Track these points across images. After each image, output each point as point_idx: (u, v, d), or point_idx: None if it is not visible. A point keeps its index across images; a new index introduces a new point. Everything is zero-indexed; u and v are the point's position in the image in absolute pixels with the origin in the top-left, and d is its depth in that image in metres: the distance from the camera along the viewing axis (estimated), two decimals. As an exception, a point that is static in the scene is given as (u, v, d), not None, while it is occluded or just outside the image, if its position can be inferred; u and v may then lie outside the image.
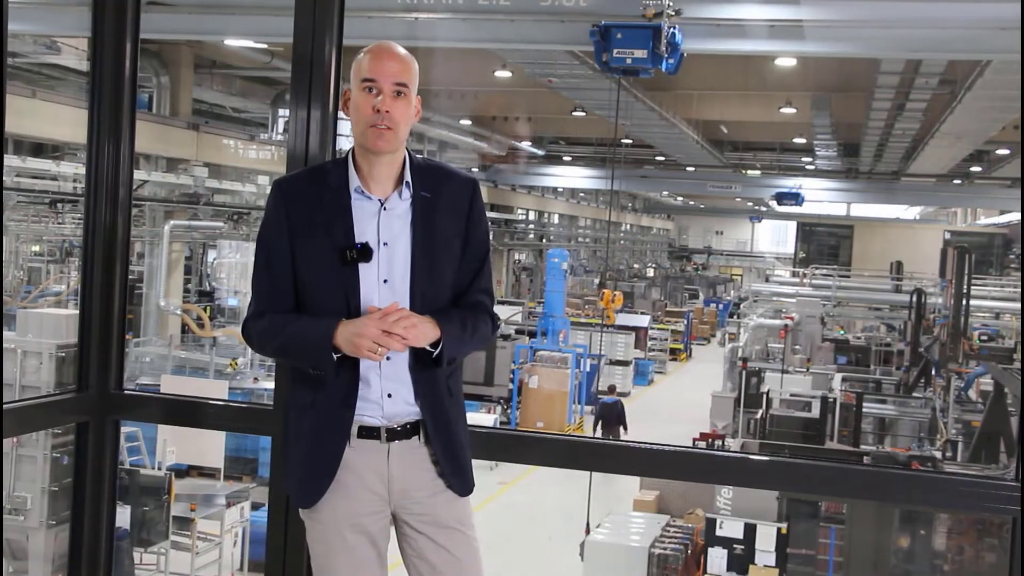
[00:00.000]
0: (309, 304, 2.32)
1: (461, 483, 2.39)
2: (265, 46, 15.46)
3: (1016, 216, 28.91)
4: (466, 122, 24.00)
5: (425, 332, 2.24)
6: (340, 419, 2.31)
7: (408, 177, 2.33)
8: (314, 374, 2.30)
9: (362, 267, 2.28)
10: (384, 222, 2.31)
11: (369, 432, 2.32)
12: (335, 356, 2.25)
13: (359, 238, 2.28)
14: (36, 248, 21.05)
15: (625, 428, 17.24)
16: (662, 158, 29.93)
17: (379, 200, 2.32)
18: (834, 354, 20.94)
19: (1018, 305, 22.08)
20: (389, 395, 2.32)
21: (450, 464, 2.36)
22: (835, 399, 14.23)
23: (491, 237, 2.57)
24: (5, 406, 2.71)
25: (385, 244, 2.30)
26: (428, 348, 2.28)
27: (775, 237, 54.23)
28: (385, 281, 2.29)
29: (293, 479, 2.39)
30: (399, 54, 2.30)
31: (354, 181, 2.32)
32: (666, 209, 53.28)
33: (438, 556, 2.36)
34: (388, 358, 2.29)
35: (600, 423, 17.52)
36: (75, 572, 3.17)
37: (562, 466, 2.99)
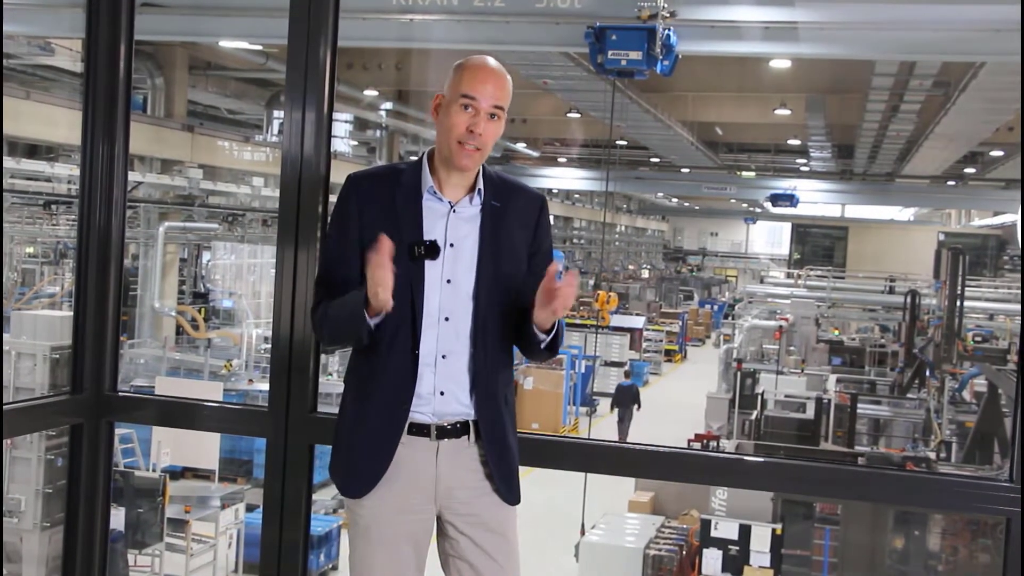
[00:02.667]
0: None
1: (509, 492, 2.39)
2: (260, 48, 15.43)
3: (1010, 217, 28.94)
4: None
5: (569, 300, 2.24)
6: (397, 412, 2.32)
7: (480, 185, 2.35)
8: (368, 341, 2.28)
9: (427, 265, 2.28)
10: (452, 224, 2.32)
11: (419, 429, 2.33)
12: (370, 322, 2.23)
13: (427, 236, 2.29)
14: (30, 250, 20.98)
15: (639, 406, 18.75)
16: (657, 160, 29.91)
17: (449, 203, 2.33)
18: (829, 355, 20.95)
19: (1012, 306, 22.10)
20: (441, 393, 2.33)
21: (501, 473, 2.37)
22: (830, 400, 14.22)
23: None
24: (-1, 408, 2.71)
25: (452, 245, 2.31)
26: (541, 335, 2.30)
27: (770, 238, 54.30)
28: (448, 281, 2.30)
29: (342, 468, 2.38)
30: (501, 75, 2.29)
31: (427, 182, 2.33)
32: (661, 210, 53.30)
33: (480, 559, 2.37)
34: (444, 356, 2.31)
35: (616, 405, 18.94)
36: (69, 574, 3.16)
37: (557, 467, 2.98)
